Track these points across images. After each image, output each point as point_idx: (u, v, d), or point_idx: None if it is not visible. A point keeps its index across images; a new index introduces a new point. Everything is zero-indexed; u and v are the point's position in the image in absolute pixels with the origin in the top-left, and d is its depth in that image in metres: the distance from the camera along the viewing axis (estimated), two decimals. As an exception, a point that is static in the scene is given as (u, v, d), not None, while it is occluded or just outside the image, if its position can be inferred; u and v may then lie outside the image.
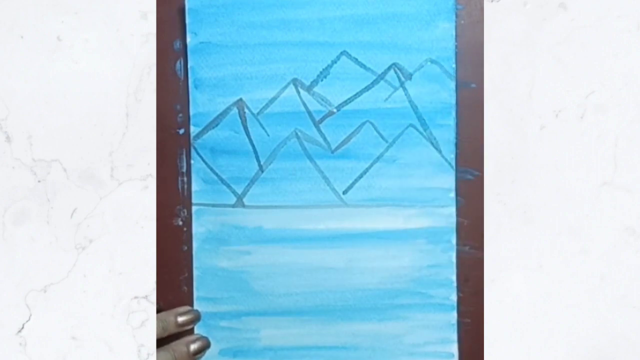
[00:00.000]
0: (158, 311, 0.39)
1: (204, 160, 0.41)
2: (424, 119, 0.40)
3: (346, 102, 0.41)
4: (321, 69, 0.40)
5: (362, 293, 0.41)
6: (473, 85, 0.40)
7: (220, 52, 0.40)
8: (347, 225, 0.41)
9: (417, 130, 0.40)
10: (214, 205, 0.41)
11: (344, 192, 0.41)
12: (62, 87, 0.37)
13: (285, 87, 0.41)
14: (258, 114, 0.41)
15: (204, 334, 0.41)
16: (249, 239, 0.41)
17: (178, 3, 0.41)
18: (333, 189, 0.41)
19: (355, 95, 0.40)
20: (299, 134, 0.41)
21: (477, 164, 0.40)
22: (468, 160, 0.40)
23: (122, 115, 0.37)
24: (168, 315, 0.40)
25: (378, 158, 0.41)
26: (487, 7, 0.37)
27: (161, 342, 0.39)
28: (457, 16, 0.40)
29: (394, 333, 0.41)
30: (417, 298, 0.41)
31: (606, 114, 0.36)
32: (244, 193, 0.41)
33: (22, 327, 0.36)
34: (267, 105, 0.41)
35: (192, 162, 0.41)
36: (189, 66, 0.41)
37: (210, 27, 0.40)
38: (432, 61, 0.40)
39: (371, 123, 0.41)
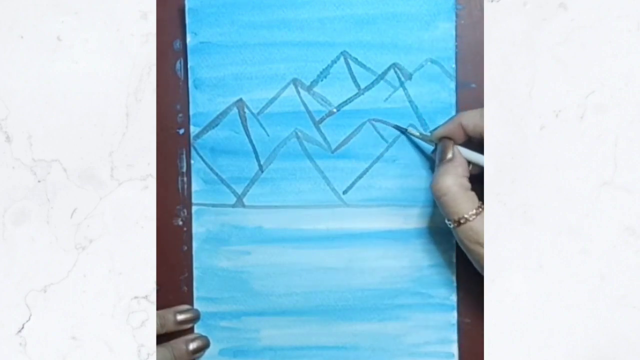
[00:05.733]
0: (157, 300, 0.39)
1: (204, 160, 0.41)
2: (424, 119, 0.40)
3: (346, 102, 0.41)
4: (321, 69, 0.40)
5: (362, 293, 0.41)
6: (473, 85, 0.40)
7: (220, 52, 0.40)
8: (347, 225, 0.41)
9: (417, 130, 0.40)
10: (214, 205, 0.41)
11: (344, 192, 0.41)
12: (62, 87, 0.37)
13: (285, 87, 0.41)
14: (258, 114, 0.41)
15: (204, 334, 0.41)
16: (249, 239, 0.41)
17: (178, 3, 0.41)
18: (333, 189, 0.41)
19: (355, 95, 0.40)
20: (299, 134, 0.41)
21: (477, 164, 0.40)
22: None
23: (122, 115, 0.37)
24: (167, 313, 0.40)
25: (378, 158, 0.41)
26: (487, 7, 0.37)
27: (159, 340, 0.39)
28: (457, 16, 0.40)
29: (394, 333, 0.41)
30: (417, 298, 0.41)
31: (606, 114, 0.36)
32: (244, 193, 0.41)
33: (22, 327, 0.36)
34: (267, 105, 0.41)
35: (192, 162, 0.41)
36: (189, 66, 0.41)
37: (210, 27, 0.40)
38: (432, 61, 0.40)
39: (371, 123, 0.40)
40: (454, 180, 0.35)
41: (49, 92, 0.36)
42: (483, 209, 0.35)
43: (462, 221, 0.35)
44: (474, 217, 0.34)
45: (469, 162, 0.37)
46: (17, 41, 0.36)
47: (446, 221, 0.36)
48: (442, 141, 0.37)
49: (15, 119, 0.36)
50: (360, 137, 0.41)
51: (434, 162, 0.39)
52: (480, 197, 0.35)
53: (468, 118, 0.36)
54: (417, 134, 0.39)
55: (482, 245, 0.35)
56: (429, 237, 0.41)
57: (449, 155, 0.36)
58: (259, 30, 0.40)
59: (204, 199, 0.41)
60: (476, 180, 0.36)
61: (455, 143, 0.37)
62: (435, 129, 0.38)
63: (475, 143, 0.37)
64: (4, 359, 0.35)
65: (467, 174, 0.36)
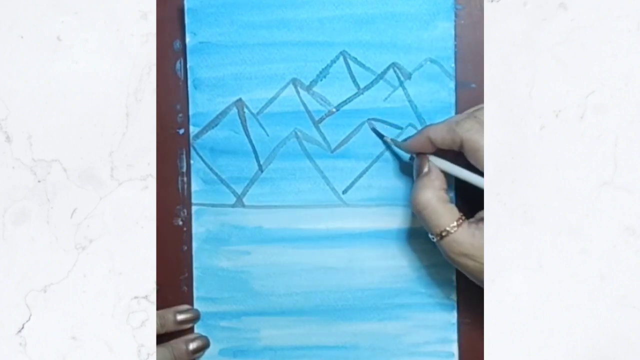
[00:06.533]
0: (157, 300, 0.39)
1: (203, 160, 0.41)
2: (423, 119, 0.40)
3: (346, 102, 0.41)
4: (321, 69, 0.40)
5: (362, 293, 0.41)
6: (473, 85, 0.40)
7: (220, 52, 0.40)
8: (346, 225, 0.41)
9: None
10: (213, 205, 0.41)
11: (344, 192, 0.41)
12: (62, 87, 0.37)
13: (285, 87, 0.41)
14: (258, 113, 0.41)
15: (204, 334, 0.41)
16: (249, 239, 0.41)
17: (178, 3, 0.41)
18: (333, 189, 0.41)
19: (355, 95, 0.40)
20: (299, 133, 0.41)
21: (477, 164, 0.40)
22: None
23: (122, 115, 0.37)
24: (167, 313, 0.40)
25: (378, 158, 0.41)
26: (487, 7, 0.37)
27: (159, 340, 0.39)
28: (456, 16, 0.40)
29: (394, 333, 0.41)
30: (417, 298, 0.41)
31: (606, 114, 0.36)
32: (244, 193, 0.41)
33: (22, 327, 0.36)
34: (266, 105, 0.41)
35: (192, 162, 0.41)
36: (188, 66, 0.41)
37: (209, 27, 0.40)
38: (432, 61, 0.40)
39: (370, 123, 0.41)
40: (432, 194, 0.36)
41: (49, 92, 0.36)
42: (464, 220, 0.35)
43: (444, 234, 0.35)
44: (455, 228, 0.35)
45: (446, 174, 0.37)
46: (17, 41, 0.36)
47: (429, 235, 0.37)
48: (417, 156, 0.38)
49: (15, 119, 0.36)
50: (359, 136, 0.41)
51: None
52: (461, 210, 0.36)
53: (435, 132, 0.36)
54: (390, 140, 0.40)
55: (467, 256, 0.35)
56: (428, 236, 0.41)
57: (425, 170, 0.37)
58: (259, 30, 0.40)
59: (203, 199, 0.41)
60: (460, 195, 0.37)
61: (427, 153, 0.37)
62: (406, 139, 0.38)
63: (451, 154, 0.37)
64: (4, 359, 0.35)
65: (445, 187, 0.37)
